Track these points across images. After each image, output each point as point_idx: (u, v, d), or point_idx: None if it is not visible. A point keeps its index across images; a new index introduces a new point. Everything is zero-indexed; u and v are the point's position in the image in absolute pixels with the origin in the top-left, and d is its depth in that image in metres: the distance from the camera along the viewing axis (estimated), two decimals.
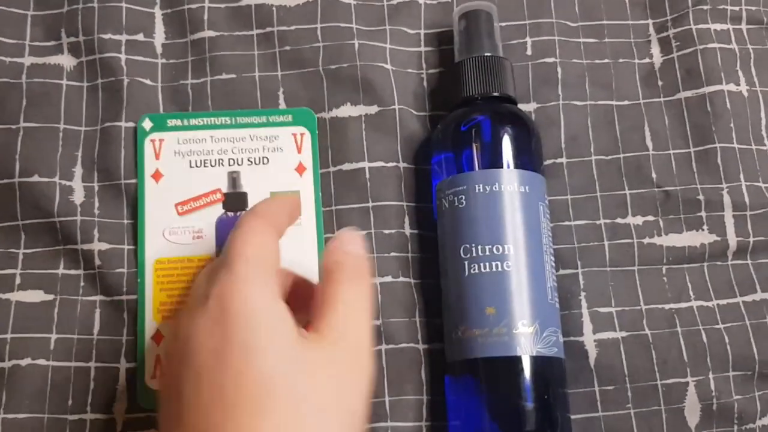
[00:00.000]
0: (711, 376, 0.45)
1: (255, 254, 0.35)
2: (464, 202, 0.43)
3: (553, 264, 0.44)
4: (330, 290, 0.36)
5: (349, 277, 0.37)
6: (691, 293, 0.47)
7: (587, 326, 0.45)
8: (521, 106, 0.48)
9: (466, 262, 0.42)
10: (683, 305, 0.46)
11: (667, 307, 0.46)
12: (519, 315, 0.41)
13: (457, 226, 0.43)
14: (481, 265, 0.42)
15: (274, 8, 0.50)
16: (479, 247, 0.42)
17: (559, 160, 0.48)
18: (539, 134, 0.46)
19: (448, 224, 0.44)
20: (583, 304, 0.46)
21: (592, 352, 0.45)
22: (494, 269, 0.41)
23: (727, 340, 0.46)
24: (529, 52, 0.50)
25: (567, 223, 0.47)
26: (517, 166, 0.43)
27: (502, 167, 0.43)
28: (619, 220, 0.48)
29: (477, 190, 0.42)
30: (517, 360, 0.41)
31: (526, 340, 0.41)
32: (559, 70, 0.49)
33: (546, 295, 0.42)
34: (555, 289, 0.43)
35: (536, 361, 0.41)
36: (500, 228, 0.42)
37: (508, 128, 0.44)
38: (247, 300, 0.33)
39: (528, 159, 0.44)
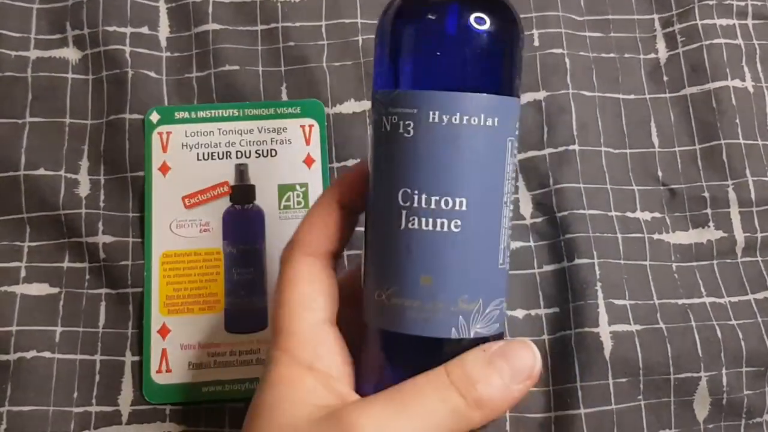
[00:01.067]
0: (724, 371, 0.45)
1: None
2: (411, 131, 0.32)
3: (511, 215, 0.34)
4: (409, 385, 0.31)
5: (442, 395, 0.31)
6: (702, 290, 0.46)
7: (603, 317, 0.44)
8: (530, 95, 0.48)
9: (404, 212, 0.32)
10: (696, 301, 0.46)
11: (680, 302, 0.46)
12: (461, 289, 0.32)
13: (398, 162, 0.32)
14: (424, 220, 0.32)
15: (279, 4, 0.50)
16: (423, 196, 0.32)
17: (571, 147, 0.48)
18: (524, 38, 0.35)
19: (385, 155, 0.33)
20: (599, 294, 0.45)
21: (608, 344, 0.44)
22: (439, 228, 0.32)
23: (741, 336, 0.45)
24: (536, 43, 0.50)
25: (582, 211, 0.47)
26: (489, 89, 0.32)
27: (468, 89, 0.32)
28: (629, 214, 0.48)
29: (431, 119, 0.32)
30: (453, 343, 0.32)
31: (466, 318, 0.32)
32: (567, 61, 0.49)
33: (497, 259, 0.33)
34: (509, 248, 0.34)
35: (472, 344, 0.32)
36: (454, 176, 0.32)
37: (487, 27, 0.32)
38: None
39: (505, 76, 0.33)
